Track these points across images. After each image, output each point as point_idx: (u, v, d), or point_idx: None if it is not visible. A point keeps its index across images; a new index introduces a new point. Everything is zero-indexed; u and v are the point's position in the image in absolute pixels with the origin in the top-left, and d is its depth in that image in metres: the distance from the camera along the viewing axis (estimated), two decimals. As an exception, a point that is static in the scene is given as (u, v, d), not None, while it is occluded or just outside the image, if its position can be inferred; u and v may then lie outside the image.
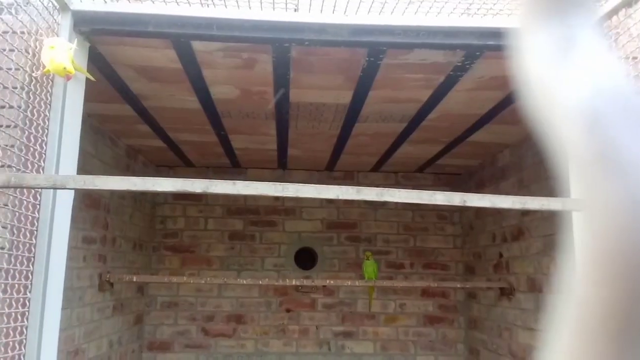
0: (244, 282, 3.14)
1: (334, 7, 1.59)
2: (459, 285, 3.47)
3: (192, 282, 3.44)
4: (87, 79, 1.59)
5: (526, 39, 0.25)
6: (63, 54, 1.37)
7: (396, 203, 3.80)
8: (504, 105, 2.27)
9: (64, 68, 1.35)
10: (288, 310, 3.78)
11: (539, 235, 2.67)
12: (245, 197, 3.83)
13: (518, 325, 2.88)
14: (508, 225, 3.07)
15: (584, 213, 0.22)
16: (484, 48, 1.69)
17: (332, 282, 3.32)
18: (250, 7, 1.58)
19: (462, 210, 3.89)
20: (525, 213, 2.83)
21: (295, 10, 1.61)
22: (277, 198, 3.81)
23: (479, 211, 3.51)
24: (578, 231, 0.23)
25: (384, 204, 3.88)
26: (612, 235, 0.21)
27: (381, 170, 3.87)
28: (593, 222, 0.22)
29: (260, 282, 3.13)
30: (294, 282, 3.15)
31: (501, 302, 3.13)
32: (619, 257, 0.21)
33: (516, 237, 2.96)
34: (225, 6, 1.58)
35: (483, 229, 3.49)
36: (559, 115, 0.24)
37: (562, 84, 0.24)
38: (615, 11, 1.51)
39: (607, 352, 0.21)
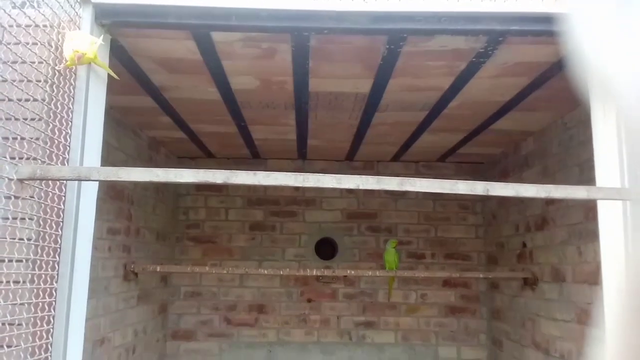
0: (265, 272, 3.15)
1: (354, -6, 1.57)
2: (481, 276, 3.43)
3: (214, 272, 3.48)
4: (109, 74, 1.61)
5: (582, 5, 0.24)
6: (84, 43, 1.37)
7: (417, 193, 3.76)
8: (528, 91, 2.23)
9: (73, 50, 1.35)
10: (309, 300, 3.80)
11: (564, 224, 2.62)
12: (266, 188, 3.84)
13: (542, 315, 2.84)
14: (532, 215, 3.02)
15: (637, 184, 0.22)
16: (507, 33, 1.65)
17: (352, 272, 3.32)
18: (269, -3, 1.57)
19: (485, 199, 3.84)
20: (549, 202, 2.78)
21: (314, -2, 1.59)
22: (297, 188, 3.82)
23: (502, 200, 3.47)
24: (632, 203, 0.22)
25: (404, 194, 3.86)
26: None
27: (401, 159, 3.84)
28: None
29: (281, 272, 3.15)
30: (314, 273, 3.16)
31: (524, 293, 3.09)
32: None
33: (540, 226, 2.91)
34: (244, -4, 1.57)
35: (506, 219, 3.44)
36: (617, 83, 0.22)
37: (622, 50, 0.22)
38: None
39: None
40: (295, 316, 3.78)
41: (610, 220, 1.52)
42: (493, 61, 1.90)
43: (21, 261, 1.32)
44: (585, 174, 2.36)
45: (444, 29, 1.62)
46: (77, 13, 1.51)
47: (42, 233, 1.35)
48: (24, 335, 1.29)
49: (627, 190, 1.42)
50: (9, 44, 1.32)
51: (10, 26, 1.32)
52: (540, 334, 2.87)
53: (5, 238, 1.30)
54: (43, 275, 1.34)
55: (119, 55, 1.85)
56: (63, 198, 1.41)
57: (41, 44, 1.38)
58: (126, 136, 2.79)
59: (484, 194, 1.28)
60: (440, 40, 1.73)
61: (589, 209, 2.33)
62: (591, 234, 2.31)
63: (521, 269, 3.14)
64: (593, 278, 2.30)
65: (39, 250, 1.35)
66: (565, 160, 2.59)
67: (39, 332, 1.32)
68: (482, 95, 2.30)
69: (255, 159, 3.85)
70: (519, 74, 2.04)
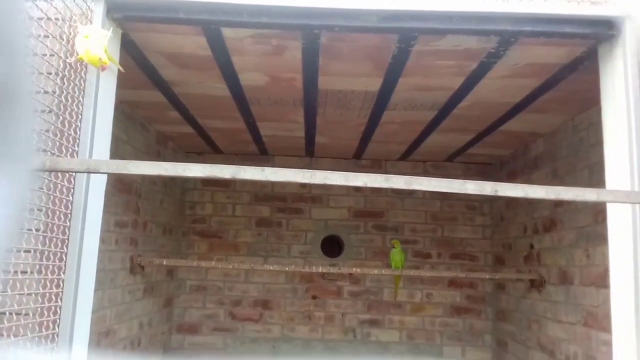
0: (271, 268, 3.16)
1: (365, -8, 1.56)
2: (487, 277, 3.42)
3: (220, 267, 3.49)
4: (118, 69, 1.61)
5: None
6: (98, 43, 1.38)
7: (424, 192, 3.76)
8: (539, 93, 2.21)
9: (99, 59, 1.37)
10: (314, 297, 3.80)
11: (572, 226, 2.60)
12: (273, 184, 3.85)
13: (548, 317, 2.83)
14: (540, 217, 3.01)
15: None
16: (519, 34, 1.63)
17: (358, 270, 3.32)
18: (280, -7, 1.57)
19: (492, 200, 3.82)
20: (557, 204, 2.76)
21: (325, -5, 1.59)
22: (304, 185, 3.82)
23: (510, 202, 3.45)
24: None
25: (411, 193, 3.85)
26: None
27: (409, 159, 3.83)
28: None
29: (287, 269, 3.15)
30: (320, 270, 3.16)
31: (531, 294, 3.08)
32: None
33: (548, 228, 2.89)
34: (255, -8, 1.57)
35: (514, 220, 3.42)
36: None
37: None
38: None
39: None
40: (299, 312, 3.78)
41: (620, 224, 1.51)
42: (504, 62, 1.89)
43: (29, 252, 1.33)
44: (594, 177, 2.34)
45: (455, 28, 1.61)
46: (89, 7, 1.51)
47: (50, 224, 1.36)
48: (30, 325, 1.30)
49: (637, 193, 1.41)
50: (21, 36, 1.33)
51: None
52: (545, 336, 2.86)
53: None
54: (50, 266, 1.35)
55: (130, 49, 1.86)
56: (72, 190, 1.42)
57: (53, 37, 1.39)
58: (135, 130, 2.80)
59: (492, 194, 1.27)
60: (451, 39, 1.72)
61: (598, 211, 2.31)
62: (600, 237, 2.29)
63: (528, 271, 3.12)
64: (601, 281, 2.28)
65: (47, 241, 1.36)
66: (575, 163, 2.57)
67: (45, 323, 1.33)
68: (492, 95, 2.29)
69: (262, 155, 3.86)
70: (529, 75, 2.02)
